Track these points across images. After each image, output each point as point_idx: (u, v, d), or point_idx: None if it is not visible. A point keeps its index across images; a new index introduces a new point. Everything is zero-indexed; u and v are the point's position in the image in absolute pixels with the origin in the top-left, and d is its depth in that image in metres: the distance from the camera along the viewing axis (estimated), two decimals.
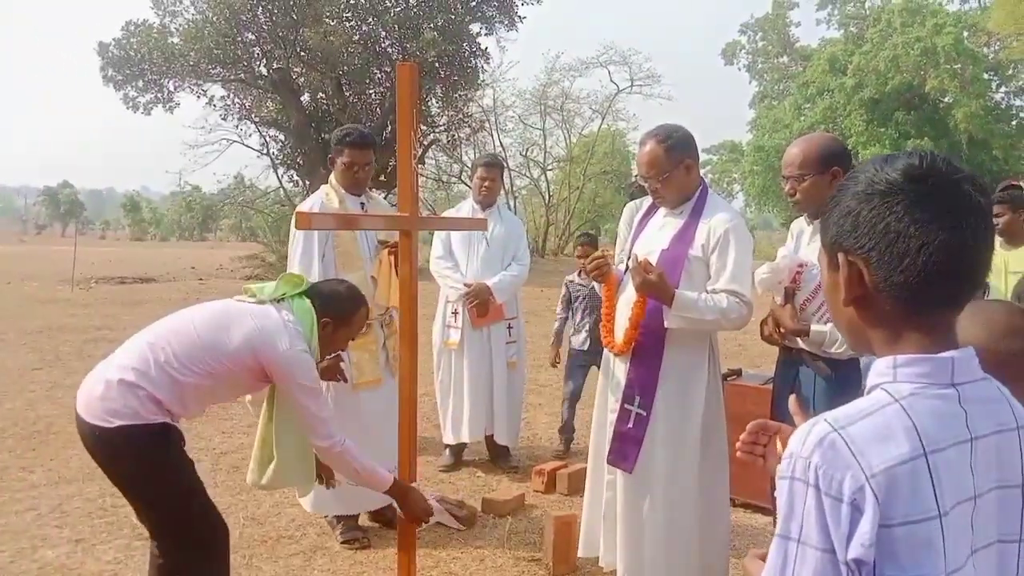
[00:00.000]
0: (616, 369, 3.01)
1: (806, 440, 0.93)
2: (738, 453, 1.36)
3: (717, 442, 2.96)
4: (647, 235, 3.04)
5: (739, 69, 33.39)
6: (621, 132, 33.24)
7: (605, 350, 3.10)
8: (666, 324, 2.80)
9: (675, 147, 2.88)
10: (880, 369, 0.99)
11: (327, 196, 3.80)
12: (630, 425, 2.88)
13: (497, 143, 26.74)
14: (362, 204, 3.84)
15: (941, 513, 0.90)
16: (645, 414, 2.86)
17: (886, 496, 0.88)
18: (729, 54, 33.28)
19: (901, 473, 0.89)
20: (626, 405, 2.90)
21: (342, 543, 3.71)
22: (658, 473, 2.88)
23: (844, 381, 2.53)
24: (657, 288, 2.73)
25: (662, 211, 3.05)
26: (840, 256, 1.01)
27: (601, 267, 3.00)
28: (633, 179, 9.12)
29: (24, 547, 3.58)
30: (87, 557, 3.51)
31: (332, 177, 3.85)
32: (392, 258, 3.63)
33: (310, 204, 3.86)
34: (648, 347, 2.88)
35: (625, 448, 2.90)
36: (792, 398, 1.36)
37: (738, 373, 4.57)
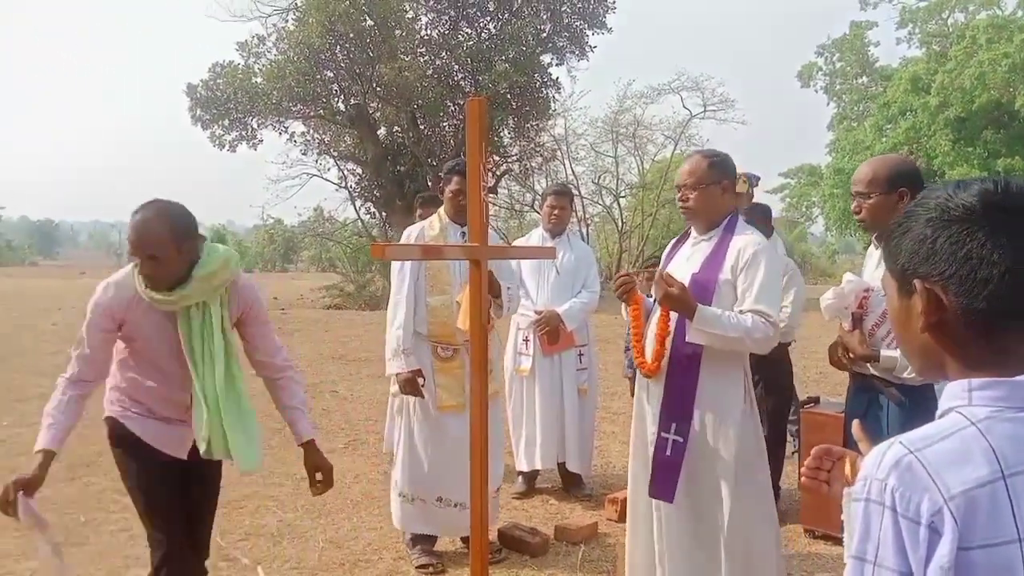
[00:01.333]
0: (651, 395, 3.00)
1: (881, 462, 0.94)
2: (802, 479, 1.36)
3: (759, 470, 2.91)
4: (677, 262, 3.06)
5: (816, 91, 32.71)
6: None
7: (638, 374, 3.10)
8: (687, 338, 2.80)
9: (718, 165, 2.94)
10: (954, 392, 0.99)
11: (430, 224, 4.00)
12: (668, 453, 2.86)
13: (569, 171, 26.83)
14: (463, 233, 3.95)
15: (1021, 538, 0.90)
16: (683, 440, 2.84)
17: (964, 519, 0.88)
18: (805, 76, 32.65)
19: (980, 496, 0.89)
20: (663, 433, 2.89)
21: (417, 568, 3.77)
22: (697, 502, 2.86)
23: (918, 407, 2.47)
24: (678, 301, 2.75)
25: (692, 239, 3.06)
26: (917, 283, 1.01)
27: (627, 283, 3.00)
28: None
29: (117, 566, 3.76)
30: None
31: (442, 207, 4.04)
32: None
33: (409, 232, 4.08)
34: (681, 371, 2.87)
35: (665, 477, 2.88)
36: (856, 423, 1.35)
37: (816, 400, 4.48)
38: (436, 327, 3.84)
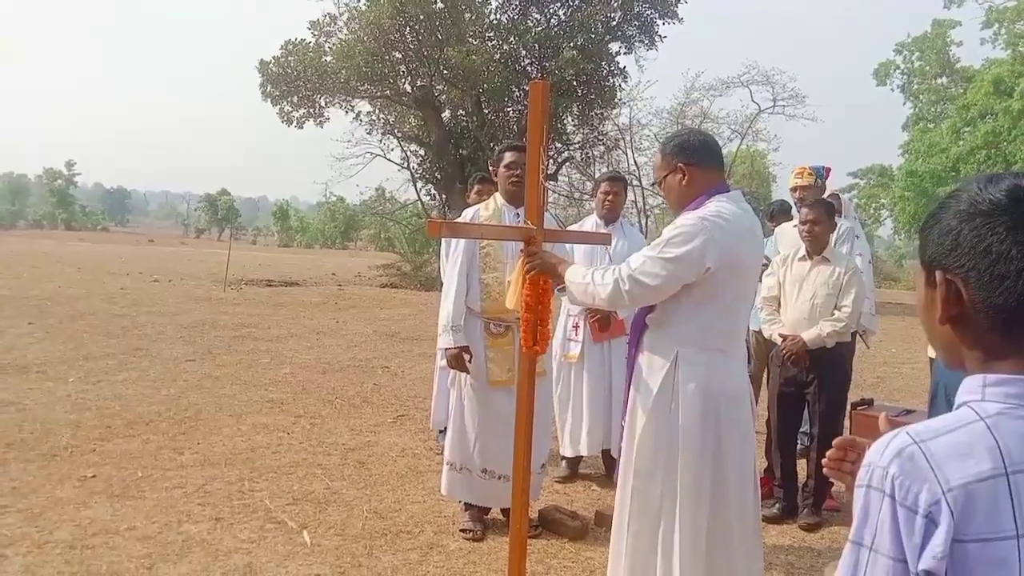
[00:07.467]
0: None
1: (884, 451, 0.95)
2: (824, 470, 1.35)
3: (687, 468, 2.65)
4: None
5: (892, 90, 31.81)
6: (761, 153, 32.29)
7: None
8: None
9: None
10: (969, 387, 0.99)
11: (485, 206, 4.08)
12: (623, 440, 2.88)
13: (631, 161, 26.62)
14: (517, 215, 3.98)
15: (1020, 534, 0.89)
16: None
17: (962, 511, 0.88)
18: (882, 74, 31.76)
19: (979, 490, 0.89)
20: (621, 421, 2.91)
21: (460, 531, 3.94)
22: (627, 489, 2.78)
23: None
24: (544, 264, 2.83)
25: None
26: (938, 274, 1.00)
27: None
28: (772, 201, 8.89)
29: (171, 521, 3.90)
30: (225, 534, 3.79)
31: (498, 190, 4.12)
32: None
33: (465, 213, 4.13)
34: (630, 353, 2.84)
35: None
36: (882, 416, 1.34)
37: (869, 403, 4.40)
38: (489, 304, 3.91)
